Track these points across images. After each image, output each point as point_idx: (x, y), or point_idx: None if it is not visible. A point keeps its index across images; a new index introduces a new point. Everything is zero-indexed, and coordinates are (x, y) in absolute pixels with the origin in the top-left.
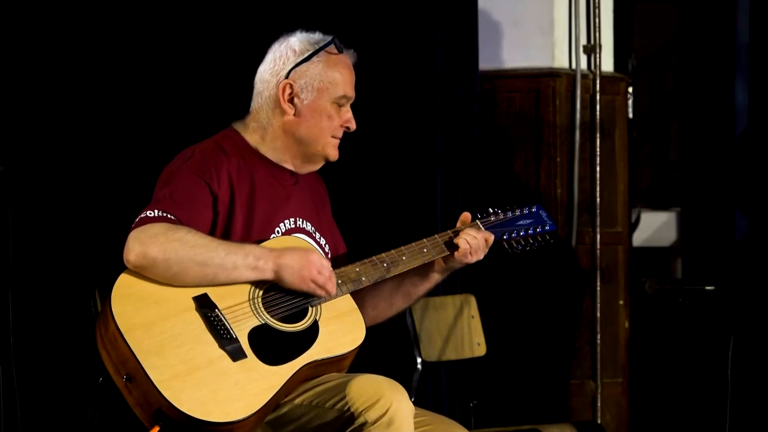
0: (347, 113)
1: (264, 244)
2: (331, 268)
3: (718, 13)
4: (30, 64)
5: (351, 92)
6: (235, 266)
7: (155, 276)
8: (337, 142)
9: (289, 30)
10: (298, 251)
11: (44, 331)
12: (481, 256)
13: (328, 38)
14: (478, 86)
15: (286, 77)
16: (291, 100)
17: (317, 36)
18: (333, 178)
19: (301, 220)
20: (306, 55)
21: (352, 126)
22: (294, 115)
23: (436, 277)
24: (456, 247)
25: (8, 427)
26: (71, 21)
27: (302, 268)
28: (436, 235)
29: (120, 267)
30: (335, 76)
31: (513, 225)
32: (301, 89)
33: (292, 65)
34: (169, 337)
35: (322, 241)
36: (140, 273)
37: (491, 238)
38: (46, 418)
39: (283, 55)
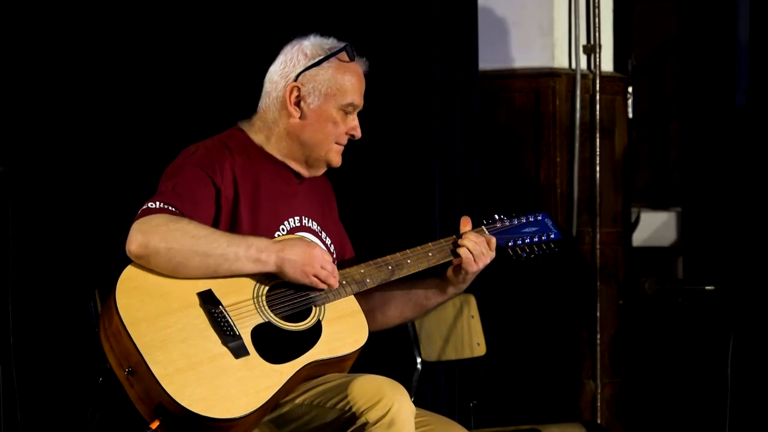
0: (353, 121)
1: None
2: (333, 263)
3: (718, 13)
4: (30, 64)
5: (359, 100)
6: (237, 257)
7: (157, 267)
8: (341, 148)
9: (300, 31)
10: (302, 245)
11: (44, 331)
12: (488, 261)
13: (341, 45)
14: (477, 86)
15: (295, 80)
16: (297, 103)
17: (330, 42)
18: (330, 178)
19: (306, 218)
20: (317, 59)
21: (357, 134)
22: (299, 118)
23: (451, 291)
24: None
25: (8, 427)
26: (72, 21)
27: (305, 264)
28: (441, 240)
29: (120, 267)
30: (344, 83)
31: (518, 232)
32: (308, 93)
33: (302, 68)
34: (173, 332)
35: (328, 241)
36: (143, 265)
37: (493, 240)
38: (46, 418)
39: (293, 57)
